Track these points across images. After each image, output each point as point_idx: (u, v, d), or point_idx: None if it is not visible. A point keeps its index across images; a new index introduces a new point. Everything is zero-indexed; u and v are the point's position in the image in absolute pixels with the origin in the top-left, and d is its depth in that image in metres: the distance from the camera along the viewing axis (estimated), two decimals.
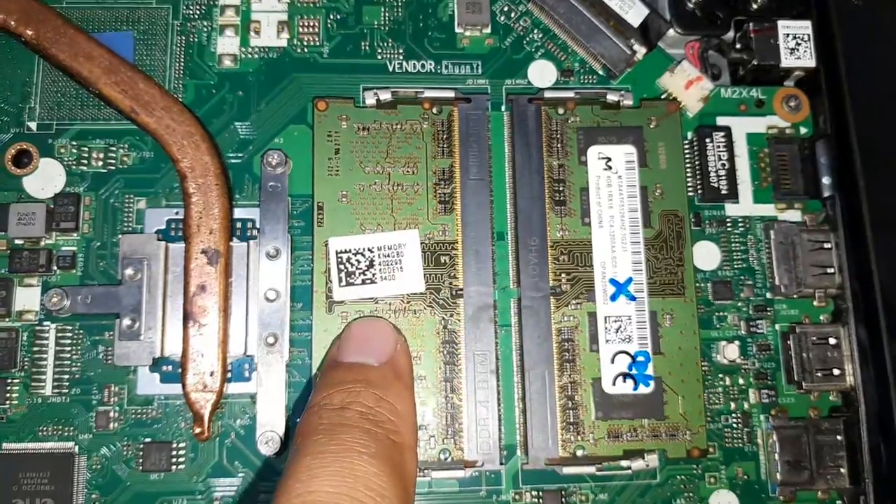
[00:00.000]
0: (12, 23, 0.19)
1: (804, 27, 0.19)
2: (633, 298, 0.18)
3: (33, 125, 0.18)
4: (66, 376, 0.17)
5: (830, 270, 0.19)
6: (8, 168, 0.18)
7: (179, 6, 0.19)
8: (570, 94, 0.19)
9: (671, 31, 0.20)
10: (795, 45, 0.19)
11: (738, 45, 0.20)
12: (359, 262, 0.18)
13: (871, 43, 0.20)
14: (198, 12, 0.19)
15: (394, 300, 0.18)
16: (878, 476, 0.18)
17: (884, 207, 0.19)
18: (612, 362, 0.18)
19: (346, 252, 0.18)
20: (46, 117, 0.19)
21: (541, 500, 0.17)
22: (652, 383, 0.18)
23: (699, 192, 0.19)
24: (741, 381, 0.18)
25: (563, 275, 0.18)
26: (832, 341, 0.18)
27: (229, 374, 0.17)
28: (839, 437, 0.18)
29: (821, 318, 0.19)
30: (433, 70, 0.19)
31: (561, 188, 0.18)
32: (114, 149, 0.18)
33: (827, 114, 0.19)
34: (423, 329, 0.18)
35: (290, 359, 0.17)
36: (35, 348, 0.17)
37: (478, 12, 0.20)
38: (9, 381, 0.17)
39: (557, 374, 0.18)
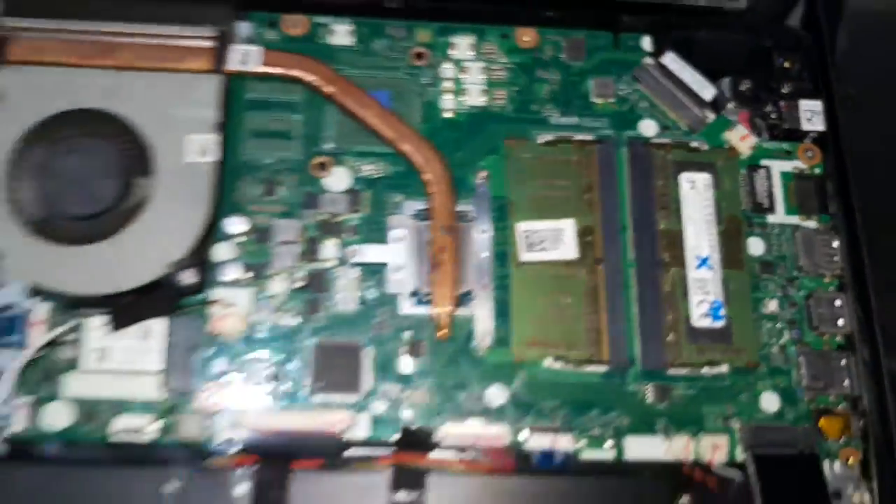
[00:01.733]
0: (319, 85, 0.30)
1: (816, 105, 0.30)
2: (711, 268, 0.28)
3: (329, 147, 0.29)
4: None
5: (836, 259, 0.29)
6: (313, 173, 0.29)
7: (419, 78, 0.30)
8: (667, 141, 0.30)
9: (730, 105, 0.31)
10: (811, 116, 0.30)
11: (773, 115, 0.31)
12: (535, 237, 0.28)
13: (863, 115, 0.30)
14: (430, 81, 0.30)
15: (557, 263, 0.28)
16: (870, 387, 0.27)
17: (872, 220, 0.29)
18: (698, 307, 0.28)
19: (527, 231, 0.28)
20: (338, 143, 0.29)
21: (653, 391, 0.27)
22: (723, 321, 0.28)
23: (750, 206, 0.29)
24: (779, 324, 0.28)
25: (666, 252, 0.28)
26: (837, 303, 0.28)
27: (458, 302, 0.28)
28: (842, 362, 0.28)
29: (829, 288, 0.29)
30: (578, 124, 0.30)
31: (664, 199, 0.29)
32: (380, 163, 0.29)
33: (832, 160, 0.30)
34: (577, 281, 0.28)
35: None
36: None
37: (606, 88, 0.31)
38: None
39: (665, 314, 0.28)
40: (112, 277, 0.27)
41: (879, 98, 0.31)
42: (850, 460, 0.27)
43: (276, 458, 0.25)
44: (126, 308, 0.27)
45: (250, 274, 0.27)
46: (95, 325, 0.27)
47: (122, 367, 0.26)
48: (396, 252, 0.28)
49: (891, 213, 0.29)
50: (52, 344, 0.26)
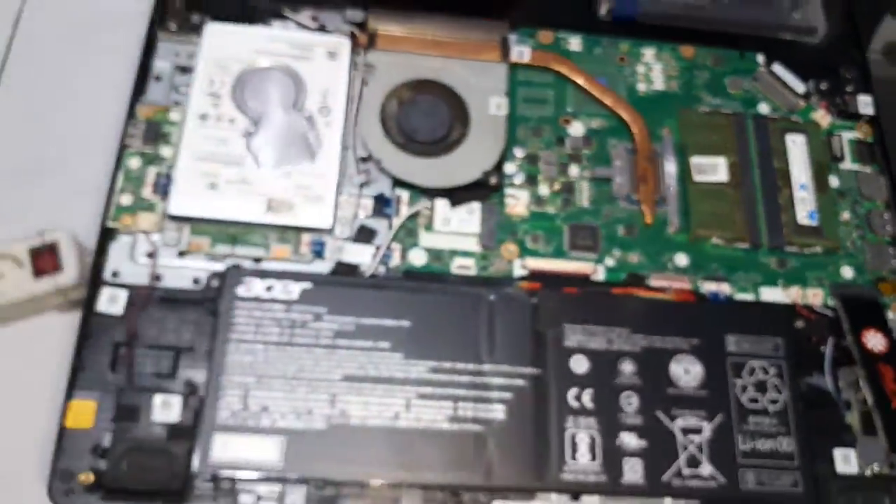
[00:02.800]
0: (565, 72, 0.47)
1: (868, 98, 0.48)
2: (807, 190, 0.45)
3: (570, 110, 0.47)
4: None
5: (883, 189, 0.46)
6: (560, 125, 0.46)
7: (623, 71, 0.48)
8: (776, 116, 0.48)
9: (814, 97, 0.48)
10: (864, 105, 0.48)
11: (840, 104, 0.48)
12: (702, 167, 0.45)
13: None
14: (630, 73, 0.48)
15: (716, 183, 0.45)
16: None
17: None
18: (801, 212, 0.45)
19: (697, 163, 0.45)
20: (575, 108, 0.47)
21: (776, 262, 0.44)
22: (816, 221, 0.45)
23: (829, 157, 0.47)
24: (850, 226, 0.45)
25: (781, 181, 0.46)
26: (885, 216, 0.45)
27: None
28: (890, 251, 0.45)
29: (880, 207, 0.46)
30: (721, 104, 0.48)
31: (777, 150, 0.46)
32: (603, 120, 0.47)
33: (878, 132, 0.48)
34: (728, 194, 0.45)
35: None
36: None
37: (737, 84, 0.49)
38: None
39: (781, 216, 0.45)
40: (448, 177, 0.44)
41: None
42: None
43: (552, 287, 0.42)
44: (458, 194, 0.44)
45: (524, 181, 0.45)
46: (441, 204, 0.44)
47: (457, 229, 0.43)
48: (618, 171, 0.45)
49: None
50: (413, 216, 0.43)
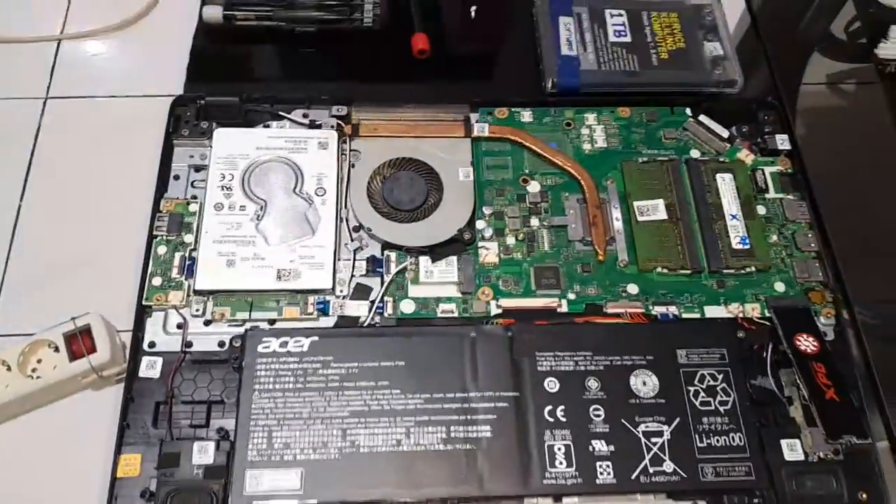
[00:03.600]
0: (520, 140, 0.56)
1: (785, 137, 0.56)
2: (738, 219, 0.53)
3: (527, 170, 0.55)
4: None
5: (805, 213, 0.53)
6: (520, 184, 0.54)
7: (569, 135, 0.56)
8: (706, 158, 0.55)
9: (738, 139, 0.56)
10: (782, 142, 0.56)
11: (761, 143, 0.56)
12: (643, 208, 0.53)
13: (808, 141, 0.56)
14: (576, 136, 0.56)
15: (656, 220, 0.53)
16: (832, 276, 0.51)
17: (820, 194, 0.54)
18: (734, 238, 0.52)
19: (639, 206, 0.53)
20: (531, 168, 0.55)
21: (715, 283, 0.51)
22: (748, 245, 0.52)
23: (755, 189, 0.54)
24: (779, 247, 0.52)
25: (714, 213, 0.53)
26: (809, 235, 0.52)
27: None
28: (816, 265, 0.51)
29: (804, 228, 0.53)
30: (657, 153, 0.56)
31: (709, 187, 0.54)
32: (556, 178, 0.54)
33: (797, 164, 0.55)
34: (670, 229, 0.52)
35: None
36: None
37: (670, 134, 0.57)
38: None
39: (719, 243, 0.52)
40: (428, 236, 0.51)
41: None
42: (827, 313, 0.50)
43: (524, 321, 0.49)
44: (438, 251, 0.51)
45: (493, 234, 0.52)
46: (423, 261, 0.51)
47: (439, 279, 0.51)
48: (571, 218, 0.53)
49: (834, 192, 0.54)
50: (401, 272, 0.51)
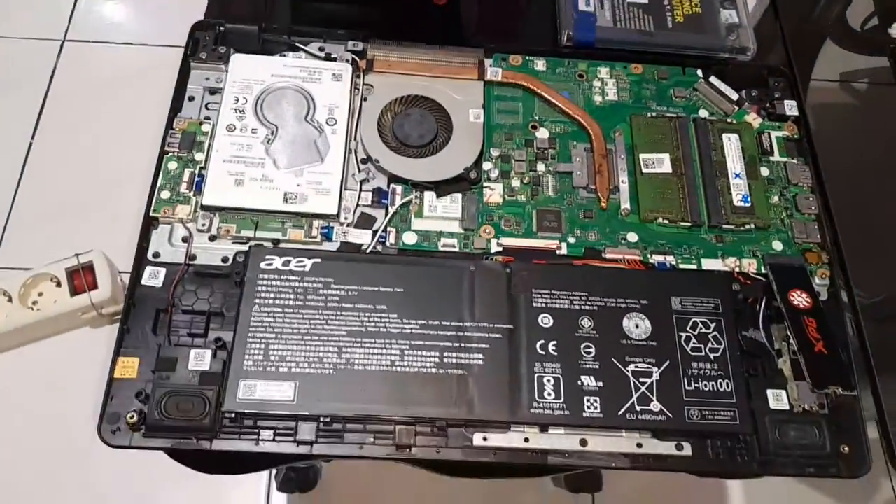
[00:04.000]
0: (532, 87, 0.56)
1: (793, 103, 0.57)
2: (741, 178, 0.53)
3: (536, 117, 0.55)
4: None
5: (807, 176, 0.54)
6: (529, 130, 0.55)
7: (581, 86, 0.57)
8: (714, 118, 0.56)
9: (746, 102, 0.57)
10: (790, 108, 0.56)
11: (769, 108, 0.57)
12: (649, 161, 0.54)
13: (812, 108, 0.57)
14: (588, 87, 0.57)
15: (662, 173, 0.53)
16: (829, 237, 0.52)
17: (823, 159, 0.54)
18: (735, 196, 0.53)
19: (644, 158, 0.54)
20: (541, 116, 0.55)
21: (715, 237, 0.52)
22: (749, 203, 0.52)
23: (760, 151, 0.55)
24: (779, 207, 0.53)
25: (718, 171, 0.54)
26: (810, 198, 0.53)
27: None
28: (815, 227, 0.52)
29: (805, 191, 0.54)
30: (667, 110, 0.56)
31: (715, 146, 0.55)
32: (565, 125, 0.55)
33: (803, 130, 0.56)
34: (674, 183, 0.53)
35: None
36: None
37: (680, 93, 0.57)
38: None
39: (720, 198, 0.52)
40: (435, 172, 0.52)
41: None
42: (822, 274, 0.51)
43: (524, 259, 0.50)
44: (443, 187, 0.52)
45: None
46: (428, 196, 0.52)
47: (442, 214, 0.51)
48: (577, 166, 0.53)
49: (834, 160, 0.55)
50: (405, 204, 0.51)
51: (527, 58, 0.57)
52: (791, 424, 0.46)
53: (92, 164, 0.61)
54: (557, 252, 0.50)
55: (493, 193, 0.52)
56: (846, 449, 0.45)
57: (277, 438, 0.44)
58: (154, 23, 0.69)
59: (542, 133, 0.55)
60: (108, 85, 0.64)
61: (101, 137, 0.62)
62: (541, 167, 0.53)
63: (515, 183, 0.53)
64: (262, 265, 0.47)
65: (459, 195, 0.52)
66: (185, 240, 0.49)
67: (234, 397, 0.44)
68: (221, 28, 0.56)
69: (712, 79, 0.57)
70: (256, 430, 0.44)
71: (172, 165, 0.51)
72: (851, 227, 0.55)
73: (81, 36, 0.70)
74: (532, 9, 0.62)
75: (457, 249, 0.50)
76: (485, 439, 0.44)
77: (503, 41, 0.58)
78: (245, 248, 0.49)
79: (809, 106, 0.59)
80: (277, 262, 0.48)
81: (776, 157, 0.55)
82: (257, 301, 0.46)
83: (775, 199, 0.53)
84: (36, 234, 0.63)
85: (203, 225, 0.49)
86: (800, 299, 0.48)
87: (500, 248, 0.50)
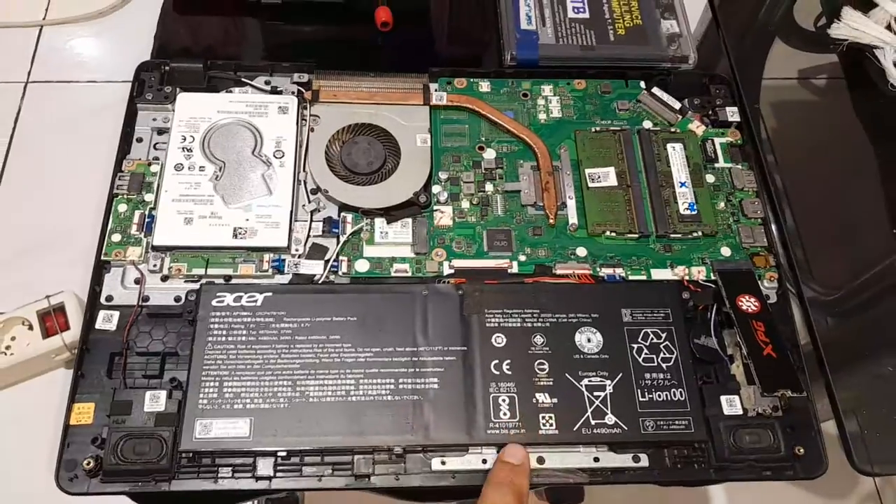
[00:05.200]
0: (478, 109, 0.57)
1: (734, 110, 0.57)
2: (686, 187, 0.54)
3: (483, 139, 0.56)
4: None
5: (751, 181, 0.55)
6: (477, 151, 0.56)
7: (525, 105, 0.58)
8: (658, 129, 0.57)
9: (689, 111, 0.58)
10: (732, 114, 0.57)
11: (712, 115, 0.58)
12: (595, 175, 0.54)
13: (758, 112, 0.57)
14: (532, 106, 0.58)
15: (607, 187, 0.54)
16: (777, 241, 0.52)
17: (768, 162, 0.55)
18: (682, 205, 0.53)
19: (590, 173, 0.54)
20: (487, 137, 0.56)
21: (662, 247, 0.52)
22: (696, 211, 0.53)
23: (704, 159, 0.56)
24: (726, 213, 0.54)
25: (664, 181, 0.54)
26: (755, 203, 0.54)
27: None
28: (762, 230, 0.53)
29: (750, 196, 0.55)
30: (611, 123, 0.57)
31: (659, 156, 0.55)
32: (511, 145, 0.56)
33: (746, 135, 0.57)
34: (618, 195, 0.54)
35: None
36: None
37: (624, 106, 0.58)
38: None
39: (666, 209, 0.53)
40: (384, 199, 0.53)
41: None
42: (770, 276, 0.52)
43: (476, 280, 0.50)
44: (393, 213, 0.52)
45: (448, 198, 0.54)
46: (378, 222, 0.52)
47: (393, 240, 0.52)
48: (524, 184, 0.54)
49: (793, 156, 0.56)
50: (356, 232, 0.52)
51: (471, 80, 0.58)
52: (745, 429, 0.46)
53: (59, 205, 0.61)
54: (509, 271, 0.51)
55: (444, 216, 0.53)
56: (801, 450, 0.46)
57: (236, 475, 0.44)
58: (119, 59, 0.69)
59: (490, 154, 0.55)
60: (73, 123, 0.64)
61: (67, 176, 0.62)
62: (489, 187, 0.54)
63: (465, 204, 0.53)
64: (214, 303, 0.48)
65: (410, 220, 0.52)
66: (137, 281, 0.49)
67: (190, 437, 0.44)
68: (166, 67, 0.57)
69: (655, 89, 0.58)
70: (215, 469, 0.44)
71: (122, 207, 0.51)
72: (811, 223, 0.56)
73: (45, 77, 0.70)
74: (476, 30, 0.63)
75: (409, 274, 0.50)
76: (443, 463, 0.45)
77: (449, 64, 0.59)
78: (196, 286, 0.49)
79: (766, 105, 0.60)
80: (229, 299, 0.48)
81: (721, 164, 0.56)
82: (210, 339, 0.46)
83: (721, 205, 0.54)
84: (5, 276, 0.62)
85: (154, 266, 0.49)
86: (748, 304, 0.49)
87: (453, 271, 0.51)
